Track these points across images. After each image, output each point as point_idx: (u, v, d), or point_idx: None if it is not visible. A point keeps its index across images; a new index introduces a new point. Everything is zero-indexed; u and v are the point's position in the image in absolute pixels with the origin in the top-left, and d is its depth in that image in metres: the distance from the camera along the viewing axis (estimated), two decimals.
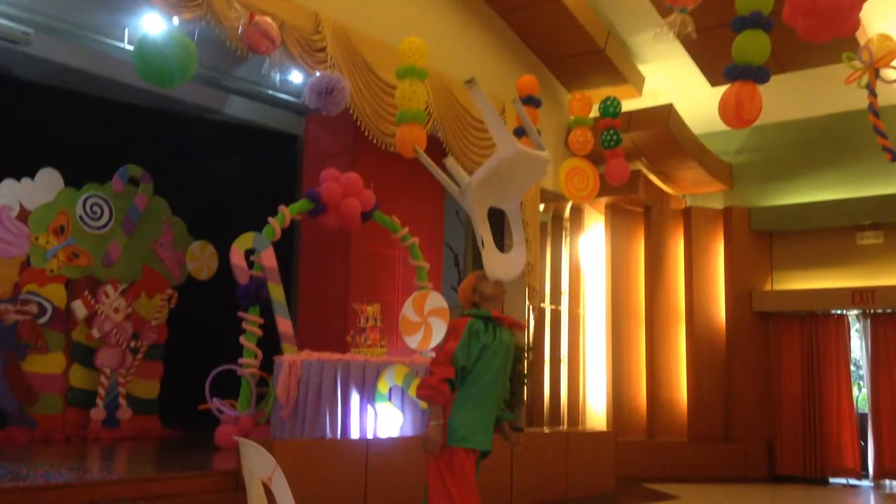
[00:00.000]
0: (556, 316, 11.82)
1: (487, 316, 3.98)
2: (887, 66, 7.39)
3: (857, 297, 10.96)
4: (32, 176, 9.06)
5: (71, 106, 9.86)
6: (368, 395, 7.42)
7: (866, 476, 11.04)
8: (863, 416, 11.31)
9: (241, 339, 8.14)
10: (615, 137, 9.61)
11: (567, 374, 11.68)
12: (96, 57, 9.26)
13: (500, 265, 3.90)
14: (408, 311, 8.72)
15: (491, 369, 3.93)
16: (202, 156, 10.75)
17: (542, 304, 11.59)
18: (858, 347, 11.63)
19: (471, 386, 3.88)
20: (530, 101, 8.85)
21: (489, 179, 4.17)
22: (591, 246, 12.09)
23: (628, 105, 10.86)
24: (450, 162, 4.24)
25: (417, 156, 4.21)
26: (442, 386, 3.79)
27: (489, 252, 3.93)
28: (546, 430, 10.80)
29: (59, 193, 9.18)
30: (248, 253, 8.37)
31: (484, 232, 3.95)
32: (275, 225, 8.31)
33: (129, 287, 9.47)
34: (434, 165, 4.19)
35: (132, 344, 9.43)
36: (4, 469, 6.25)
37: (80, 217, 9.23)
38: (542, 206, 11.55)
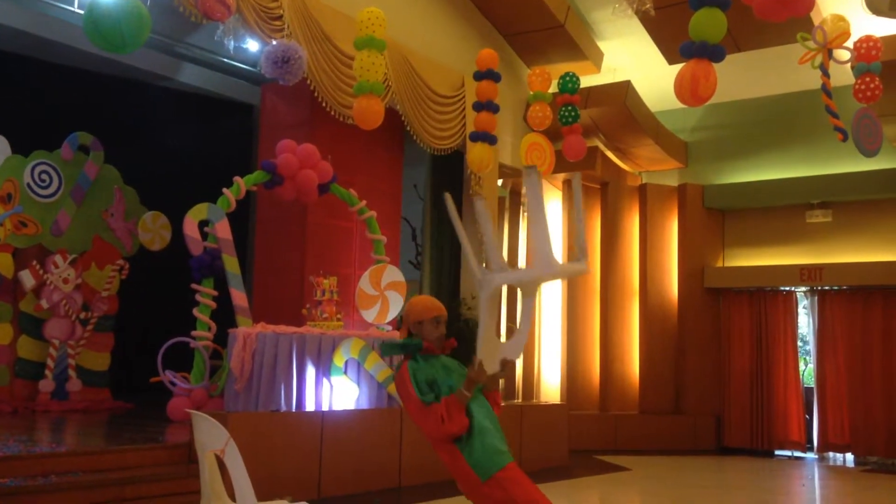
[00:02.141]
0: (512, 291, 11.89)
1: (419, 347, 3.75)
2: (840, 46, 7.51)
3: (806, 274, 11.23)
4: None
5: (19, 71, 9.58)
6: (324, 369, 7.41)
7: (811, 449, 11.38)
8: (808, 391, 11.63)
9: (195, 312, 8.05)
10: (573, 113, 9.63)
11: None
12: (46, 20, 8.99)
13: (491, 354, 3.57)
14: (364, 284, 8.70)
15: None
16: (155, 124, 10.54)
17: None
18: (806, 323, 11.92)
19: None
20: (490, 75, 8.82)
21: (514, 282, 3.84)
22: (548, 221, 12.14)
23: (587, 81, 10.89)
24: (479, 205, 3.68)
25: (447, 207, 3.62)
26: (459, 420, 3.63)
27: (488, 342, 3.61)
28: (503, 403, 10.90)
29: (6, 161, 8.93)
30: (203, 224, 8.25)
31: (489, 319, 3.60)
32: (229, 196, 8.20)
33: (78, 257, 9.28)
34: (460, 225, 3.67)
35: (82, 315, 9.27)
36: None
37: (28, 185, 8.99)
38: (500, 182, 11.58)
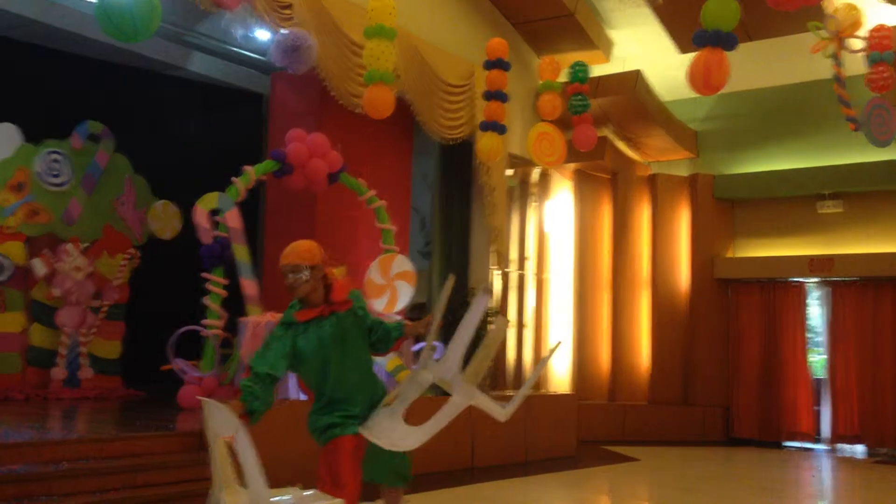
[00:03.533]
0: (521, 281, 11.90)
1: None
2: (853, 35, 7.46)
3: (816, 265, 11.17)
4: None
5: (30, 59, 9.60)
6: None
7: (820, 440, 11.35)
8: (818, 382, 11.59)
9: (205, 300, 8.07)
10: (583, 103, 9.60)
11: (532, 337, 11.79)
12: (57, 9, 9.01)
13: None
14: (374, 273, 8.71)
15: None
16: (165, 113, 10.56)
17: (507, 269, 11.65)
18: (816, 315, 11.88)
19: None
20: (499, 64, 8.79)
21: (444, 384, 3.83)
22: (557, 211, 12.14)
23: (597, 70, 10.85)
24: (483, 300, 3.59)
25: (445, 288, 3.62)
26: None
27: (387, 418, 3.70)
28: (509, 392, 10.92)
29: (18, 149, 8.97)
30: (213, 213, 8.27)
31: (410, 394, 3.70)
32: (239, 185, 8.21)
33: (90, 246, 9.32)
34: (441, 307, 3.67)
35: (93, 303, 9.31)
36: None
37: (39, 174, 9.03)
38: (509, 172, 11.56)
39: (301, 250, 3.80)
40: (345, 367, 3.84)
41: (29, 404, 8.40)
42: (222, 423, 3.42)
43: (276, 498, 3.50)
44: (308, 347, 3.77)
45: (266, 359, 3.70)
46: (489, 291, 3.63)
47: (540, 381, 11.81)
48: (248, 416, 3.56)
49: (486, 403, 3.77)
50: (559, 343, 5.00)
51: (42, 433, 6.18)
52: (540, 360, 3.89)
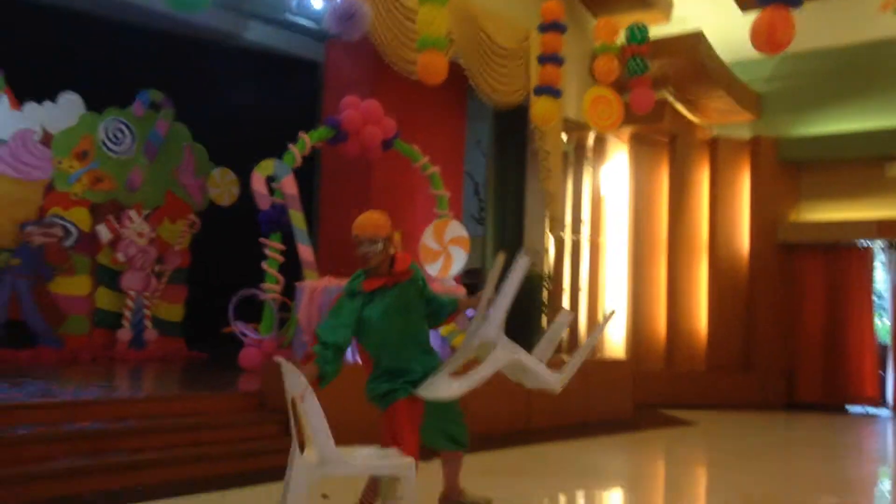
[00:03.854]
0: (576, 245, 11.81)
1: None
2: None
3: (884, 228, 10.84)
4: (54, 99, 9.08)
5: (91, 30, 9.80)
6: None
7: (885, 405, 11.11)
8: (884, 347, 11.31)
9: (263, 265, 8.23)
10: (641, 65, 9.41)
11: (587, 303, 11.72)
12: None
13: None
14: (428, 239, 8.75)
15: None
16: (222, 82, 10.69)
17: (562, 234, 11.57)
18: (882, 280, 11.55)
19: None
20: (555, 26, 8.66)
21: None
22: (613, 176, 11.97)
23: (655, 31, 10.58)
24: (523, 262, 3.79)
25: (496, 264, 3.84)
26: None
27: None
28: (565, 357, 10.91)
29: (82, 117, 9.22)
30: (269, 180, 8.40)
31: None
32: (295, 152, 8.30)
33: (152, 212, 9.57)
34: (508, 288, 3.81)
35: (156, 268, 9.58)
36: (34, 386, 6.45)
37: (103, 142, 9.27)
38: (564, 136, 11.42)
39: (379, 222, 3.94)
40: (405, 336, 3.95)
41: (96, 364, 8.73)
42: (292, 383, 3.53)
43: (346, 456, 3.61)
44: (373, 316, 3.88)
45: (335, 329, 3.81)
46: (528, 254, 3.73)
47: (596, 347, 11.77)
48: (320, 380, 3.65)
49: (536, 369, 3.82)
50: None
51: (109, 392, 6.41)
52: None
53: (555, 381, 3.92)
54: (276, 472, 5.73)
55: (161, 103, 9.75)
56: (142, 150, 9.58)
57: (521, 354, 3.83)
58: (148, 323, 9.52)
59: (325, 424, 3.50)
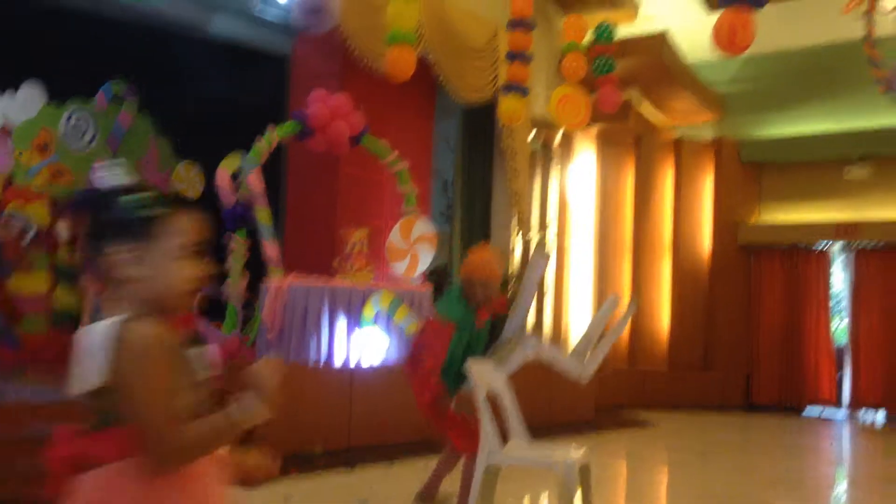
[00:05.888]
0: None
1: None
2: None
3: (842, 230, 11.04)
4: (16, 90, 8.87)
5: (54, 19, 9.57)
6: (355, 321, 7.47)
7: (841, 406, 11.32)
8: (840, 349, 11.53)
9: (227, 262, 8.12)
10: (608, 64, 9.45)
11: (552, 303, 11.77)
12: None
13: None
14: (395, 237, 8.71)
15: None
16: (187, 74, 10.49)
17: (528, 234, 11.59)
18: (840, 281, 11.77)
19: None
20: (523, 24, 8.64)
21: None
22: (580, 175, 12.03)
23: (623, 30, 10.65)
24: (542, 259, 4.38)
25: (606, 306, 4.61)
26: None
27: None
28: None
29: (43, 109, 9.00)
30: (235, 175, 8.28)
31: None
32: (261, 147, 8.20)
33: None
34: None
35: None
36: None
37: (64, 134, 9.07)
38: (532, 135, 11.44)
39: (494, 264, 4.38)
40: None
41: (54, 365, 8.53)
42: (492, 378, 4.06)
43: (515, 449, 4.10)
44: (472, 342, 4.34)
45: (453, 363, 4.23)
46: (545, 255, 4.08)
47: (560, 347, 11.82)
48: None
49: (562, 361, 4.17)
50: (624, 298, 5.30)
51: (67, 394, 6.27)
52: (619, 321, 4.42)
53: (578, 373, 4.28)
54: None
55: (124, 95, 9.56)
56: (104, 144, 9.39)
57: (551, 353, 4.29)
58: None
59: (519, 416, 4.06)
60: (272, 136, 8.27)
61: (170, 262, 1.72)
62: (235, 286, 8.09)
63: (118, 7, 9.25)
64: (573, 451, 4.03)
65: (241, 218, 8.13)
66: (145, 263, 1.69)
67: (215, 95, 10.70)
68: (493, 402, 4.01)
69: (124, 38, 10.05)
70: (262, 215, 8.28)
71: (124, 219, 1.70)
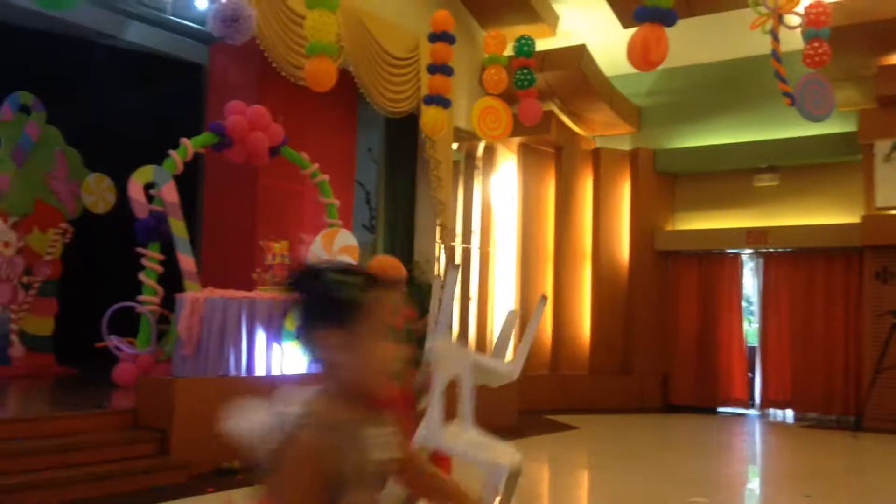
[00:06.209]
0: (466, 254, 11.91)
1: None
2: (791, 12, 7.57)
3: (752, 237, 11.44)
4: None
5: None
6: (275, 333, 7.35)
7: (753, 406, 11.71)
8: (752, 350, 11.94)
9: (141, 276, 7.91)
10: (529, 77, 9.57)
11: (476, 310, 11.83)
12: None
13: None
14: (316, 248, 8.60)
15: None
16: (99, 84, 10.20)
17: (452, 243, 11.64)
18: (751, 285, 12.20)
19: None
20: (444, 37, 8.69)
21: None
22: (502, 185, 12.16)
23: (542, 44, 10.81)
24: (452, 274, 4.44)
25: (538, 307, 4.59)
26: None
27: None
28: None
29: None
30: (148, 187, 8.07)
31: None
32: (176, 158, 8.02)
33: (20, 220, 9.01)
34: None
35: (24, 279, 9.03)
36: None
37: None
38: (455, 146, 11.51)
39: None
40: None
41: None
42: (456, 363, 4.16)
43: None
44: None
45: None
46: (545, 300, 4.17)
47: (483, 352, 11.86)
48: None
49: (493, 366, 4.43)
50: (545, 297, 5.29)
51: None
52: (533, 315, 4.45)
53: (509, 371, 4.39)
54: (151, 492, 5.52)
55: (32, 106, 9.21)
56: (9, 155, 9.02)
57: (476, 357, 4.37)
58: (14, 338, 8.95)
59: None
60: (187, 147, 8.10)
61: (374, 346, 1.66)
62: (149, 300, 7.87)
63: (23, 14, 8.91)
64: (508, 455, 4.05)
65: (155, 230, 7.94)
66: (350, 350, 1.63)
67: (129, 105, 10.42)
68: (451, 386, 4.12)
69: (33, 45, 9.71)
70: (178, 227, 8.10)
71: (334, 301, 1.63)
